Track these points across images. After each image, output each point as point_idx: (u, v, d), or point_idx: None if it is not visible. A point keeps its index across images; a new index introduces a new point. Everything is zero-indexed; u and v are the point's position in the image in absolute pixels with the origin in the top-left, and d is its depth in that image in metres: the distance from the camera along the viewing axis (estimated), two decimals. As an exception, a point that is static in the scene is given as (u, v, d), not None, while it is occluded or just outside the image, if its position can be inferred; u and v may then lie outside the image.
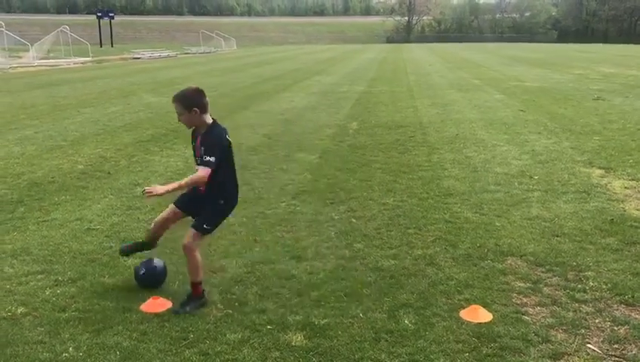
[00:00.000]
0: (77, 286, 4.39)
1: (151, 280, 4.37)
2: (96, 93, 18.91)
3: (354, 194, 6.87)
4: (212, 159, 3.88)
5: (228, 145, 4.07)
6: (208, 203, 4.09)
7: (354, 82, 22.72)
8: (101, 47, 62.69)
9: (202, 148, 3.95)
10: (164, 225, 4.37)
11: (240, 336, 3.66)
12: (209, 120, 4.03)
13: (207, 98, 4.03)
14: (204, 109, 3.98)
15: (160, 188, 3.84)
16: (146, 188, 3.88)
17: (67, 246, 5.24)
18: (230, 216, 4.29)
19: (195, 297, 4.08)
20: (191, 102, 3.96)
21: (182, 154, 9.23)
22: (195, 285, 4.09)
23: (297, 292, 4.27)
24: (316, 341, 3.60)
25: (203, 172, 3.90)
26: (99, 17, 67.70)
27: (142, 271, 4.36)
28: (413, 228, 5.62)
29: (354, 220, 5.92)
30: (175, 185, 3.92)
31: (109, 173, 8.05)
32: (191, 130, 4.15)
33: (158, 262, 4.45)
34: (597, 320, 3.85)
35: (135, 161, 8.77)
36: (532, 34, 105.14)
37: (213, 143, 3.94)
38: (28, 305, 4.10)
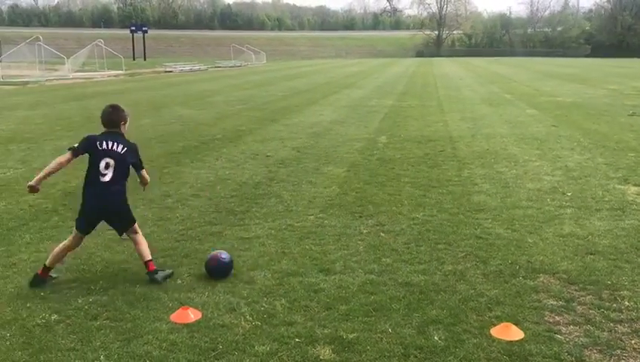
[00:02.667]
0: (108, 295, 4.45)
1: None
2: (128, 106, 19.22)
3: (382, 208, 6.84)
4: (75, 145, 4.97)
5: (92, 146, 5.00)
6: None
7: (383, 96, 22.72)
8: (134, 60, 63.98)
9: None
10: None
11: (268, 349, 3.66)
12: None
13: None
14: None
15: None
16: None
17: (99, 255, 5.33)
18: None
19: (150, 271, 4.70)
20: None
21: (212, 166, 9.33)
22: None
23: (326, 305, 4.26)
24: (344, 355, 3.58)
25: None
26: (132, 32, 69.18)
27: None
28: (443, 244, 5.57)
29: (382, 234, 5.89)
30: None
31: (140, 184, 8.14)
32: None
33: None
34: (633, 341, 3.74)
35: (166, 173, 8.89)
36: (564, 48, 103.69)
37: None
38: (61, 312, 4.18)
